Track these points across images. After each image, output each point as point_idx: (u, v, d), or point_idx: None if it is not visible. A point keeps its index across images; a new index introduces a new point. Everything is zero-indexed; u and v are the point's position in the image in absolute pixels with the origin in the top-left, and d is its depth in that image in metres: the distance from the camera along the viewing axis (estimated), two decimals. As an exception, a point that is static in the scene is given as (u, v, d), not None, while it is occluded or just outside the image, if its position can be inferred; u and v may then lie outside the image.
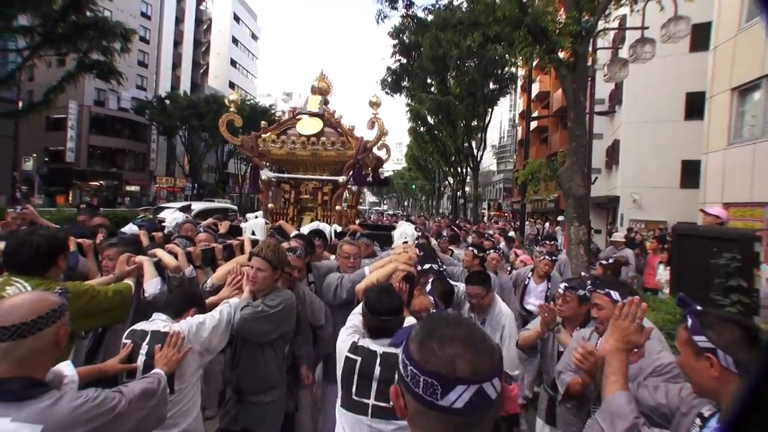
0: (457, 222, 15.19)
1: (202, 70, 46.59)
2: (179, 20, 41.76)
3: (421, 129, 28.93)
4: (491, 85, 22.65)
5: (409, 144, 43.26)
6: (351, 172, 4.96)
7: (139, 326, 2.06)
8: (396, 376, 0.81)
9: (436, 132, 27.51)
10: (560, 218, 17.14)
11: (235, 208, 15.53)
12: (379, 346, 1.90)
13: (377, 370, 1.84)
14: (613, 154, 18.24)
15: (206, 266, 3.23)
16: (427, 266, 3.16)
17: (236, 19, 51.76)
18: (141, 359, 1.93)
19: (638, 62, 6.37)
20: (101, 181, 33.72)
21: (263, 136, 5.08)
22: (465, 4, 10.91)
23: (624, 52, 8.51)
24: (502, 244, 7.39)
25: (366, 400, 1.84)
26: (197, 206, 11.16)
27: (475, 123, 24.66)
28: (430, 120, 26.33)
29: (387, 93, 23.74)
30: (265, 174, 5.07)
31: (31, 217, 4.30)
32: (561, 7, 6.88)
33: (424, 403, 0.73)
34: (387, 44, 22.98)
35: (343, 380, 1.92)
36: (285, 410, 2.73)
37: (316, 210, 5.26)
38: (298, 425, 3.10)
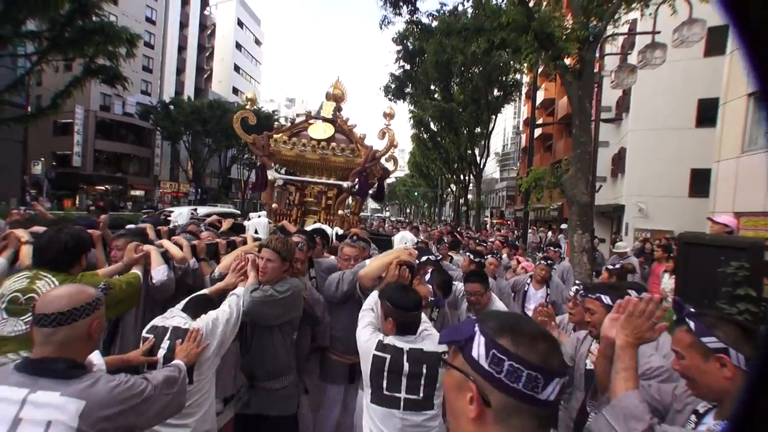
0: (458, 229, 15.14)
1: (205, 76, 46.98)
2: (183, 25, 42.19)
3: (424, 136, 29.06)
4: (495, 92, 22.65)
5: (411, 151, 43.38)
6: (357, 179, 4.97)
7: (159, 322, 2.18)
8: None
9: (439, 139, 27.61)
10: (563, 226, 17.08)
11: (239, 212, 15.62)
12: (405, 343, 2.04)
13: (406, 366, 1.98)
14: (619, 162, 18.07)
15: (210, 260, 3.29)
16: (424, 258, 3.25)
17: (240, 24, 52.17)
18: (161, 352, 2.05)
19: (647, 68, 6.20)
20: (107, 186, 33.92)
21: (275, 136, 5.13)
22: (470, 10, 10.93)
23: (633, 58, 8.41)
24: (505, 257, 7.28)
25: (398, 395, 1.98)
26: (202, 210, 11.30)
27: (479, 130, 24.67)
28: (433, 127, 26.44)
29: (390, 99, 23.80)
30: (271, 174, 5.11)
31: (39, 213, 4.38)
32: (568, 12, 6.85)
33: (523, 398, 0.72)
34: (391, 50, 23.15)
35: (372, 377, 2.04)
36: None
37: (320, 213, 5.29)
38: (299, 421, 3.10)
